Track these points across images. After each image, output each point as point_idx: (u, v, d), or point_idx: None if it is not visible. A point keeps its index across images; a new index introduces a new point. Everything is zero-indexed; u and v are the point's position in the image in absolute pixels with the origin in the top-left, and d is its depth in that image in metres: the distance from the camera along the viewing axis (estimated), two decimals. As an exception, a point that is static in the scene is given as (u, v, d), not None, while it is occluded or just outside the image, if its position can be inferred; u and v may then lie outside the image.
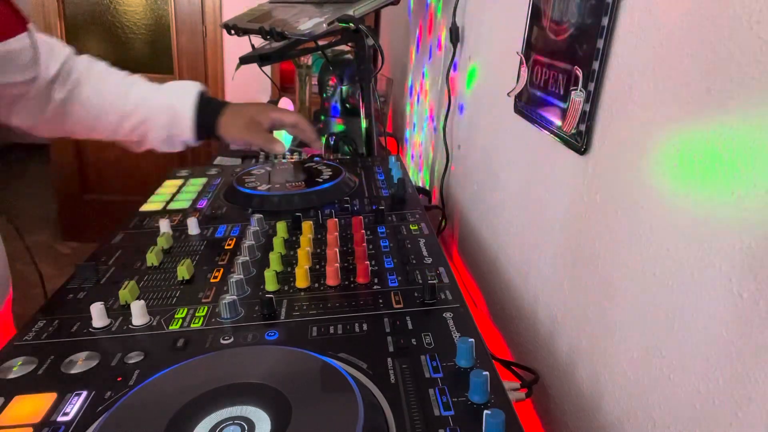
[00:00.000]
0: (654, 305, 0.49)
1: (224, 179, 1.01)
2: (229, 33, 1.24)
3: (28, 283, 0.86)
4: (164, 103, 0.88)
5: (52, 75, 0.82)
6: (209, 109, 0.89)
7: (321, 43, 1.16)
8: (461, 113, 1.11)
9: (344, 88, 1.43)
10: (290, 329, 0.56)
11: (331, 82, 1.43)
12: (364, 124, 1.26)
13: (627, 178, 0.53)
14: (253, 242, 0.72)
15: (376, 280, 0.64)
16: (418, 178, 1.56)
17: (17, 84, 0.78)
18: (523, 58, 0.75)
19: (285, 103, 1.45)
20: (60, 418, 0.44)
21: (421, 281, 0.63)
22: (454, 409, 0.44)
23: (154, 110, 0.88)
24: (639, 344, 0.51)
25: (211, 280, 0.66)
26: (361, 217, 0.78)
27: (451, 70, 1.13)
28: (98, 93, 0.86)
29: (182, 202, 0.90)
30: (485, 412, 0.41)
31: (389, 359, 0.50)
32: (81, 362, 0.51)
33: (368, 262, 0.65)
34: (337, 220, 0.79)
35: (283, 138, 1.42)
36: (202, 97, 0.90)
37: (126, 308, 0.58)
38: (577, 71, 0.60)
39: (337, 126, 1.46)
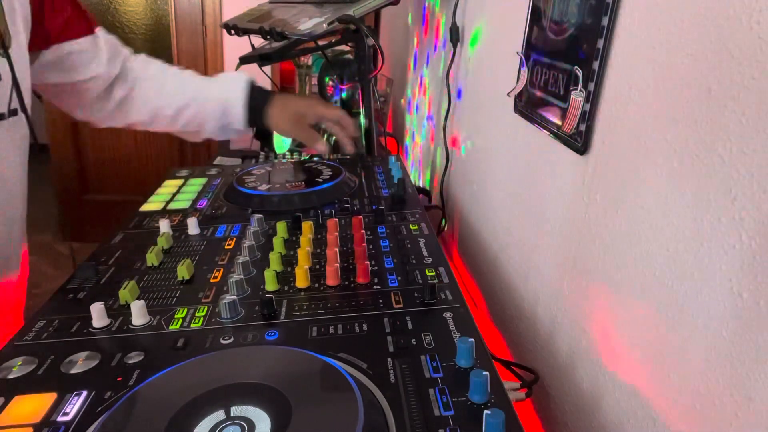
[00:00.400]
0: (654, 305, 0.49)
1: (224, 179, 1.01)
2: (229, 33, 1.24)
3: (29, 283, 0.86)
4: (217, 95, 0.94)
5: (115, 75, 0.88)
6: (259, 99, 0.96)
7: (321, 43, 1.16)
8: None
9: (344, 88, 1.43)
10: (290, 329, 0.56)
11: (330, 84, 1.43)
12: (364, 124, 1.26)
13: (627, 178, 0.53)
14: (253, 242, 0.72)
15: (376, 280, 0.64)
16: (418, 178, 1.56)
17: (81, 81, 0.84)
18: (523, 58, 0.75)
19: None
20: (60, 418, 0.44)
21: (421, 281, 0.63)
22: (454, 409, 0.44)
23: (208, 103, 0.94)
24: (639, 344, 0.51)
25: (211, 280, 0.66)
26: (361, 217, 0.78)
27: (451, 71, 1.13)
28: (156, 90, 0.93)
29: (182, 202, 0.90)
30: (485, 412, 0.41)
31: (389, 359, 0.50)
32: (81, 362, 0.51)
33: (368, 262, 0.65)
34: (337, 220, 0.79)
35: (284, 140, 1.42)
36: (251, 87, 0.96)
37: (126, 308, 0.58)
38: (577, 71, 0.60)
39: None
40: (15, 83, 0.68)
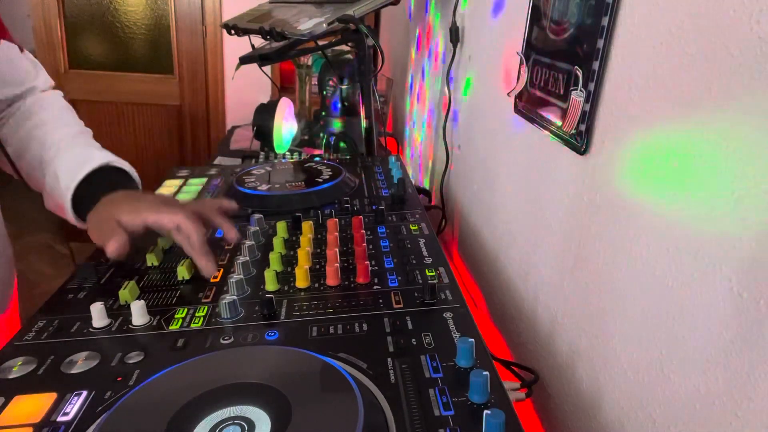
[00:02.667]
0: (654, 305, 0.49)
1: (224, 179, 1.01)
2: (229, 33, 1.25)
3: (28, 283, 0.86)
4: (55, 169, 0.73)
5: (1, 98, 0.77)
6: (90, 195, 0.71)
7: (321, 43, 1.16)
8: (456, 120, 1.11)
9: (344, 87, 1.43)
10: (290, 329, 0.56)
11: (331, 83, 1.43)
12: (364, 124, 1.26)
13: (627, 178, 0.53)
14: (253, 242, 0.72)
15: (376, 280, 0.64)
16: (418, 178, 1.56)
17: None
18: (523, 58, 0.75)
19: (285, 103, 1.45)
20: (60, 418, 0.44)
21: (421, 281, 0.63)
22: (454, 409, 0.44)
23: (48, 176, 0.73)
24: (639, 344, 0.51)
25: (211, 280, 0.66)
26: (361, 217, 0.78)
27: (451, 71, 1.13)
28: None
29: (182, 202, 0.90)
30: (485, 412, 0.41)
31: (389, 359, 0.50)
32: (81, 362, 0.51)
33: (368, 262, 0.65)
34: (337, 220, 0.79)
35: (284, 140, 1.42)
36: (93, 176, 0.72)
37: (126, 308, 0.58)
38: (577, 71, 0.60)
39: (336, 124, 1.46)
40: None
